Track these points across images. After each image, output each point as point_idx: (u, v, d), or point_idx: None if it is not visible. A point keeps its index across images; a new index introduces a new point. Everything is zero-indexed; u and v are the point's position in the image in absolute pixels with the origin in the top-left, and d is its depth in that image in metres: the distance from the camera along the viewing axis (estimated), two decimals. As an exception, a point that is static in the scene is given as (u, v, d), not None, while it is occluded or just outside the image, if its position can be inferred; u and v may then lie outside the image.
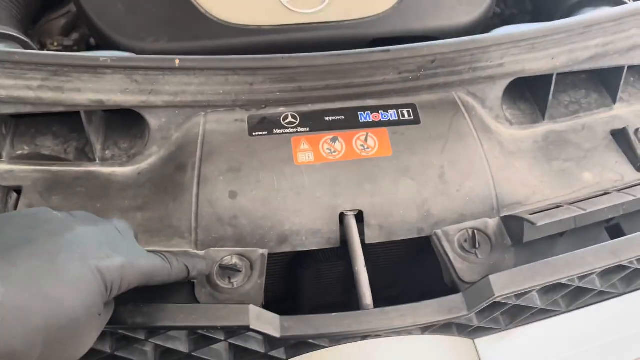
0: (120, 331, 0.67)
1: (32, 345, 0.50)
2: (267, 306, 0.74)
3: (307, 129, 0.86)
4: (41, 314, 0.51)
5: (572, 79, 1.04)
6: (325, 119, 0.87)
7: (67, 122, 0.90)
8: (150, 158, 0.86)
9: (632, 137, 0.93)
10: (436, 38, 1.09)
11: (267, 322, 0.67)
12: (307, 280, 1.03)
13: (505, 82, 0.92)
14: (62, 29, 1.28)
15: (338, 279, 1.08)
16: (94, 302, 0.55)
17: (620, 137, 0.95)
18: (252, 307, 0.66)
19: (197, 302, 0.74)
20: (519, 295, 0.71)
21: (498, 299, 0.69)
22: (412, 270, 1.07)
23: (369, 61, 0.83)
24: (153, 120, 0.85)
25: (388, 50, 0.83)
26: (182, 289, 0.75)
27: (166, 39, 1.05)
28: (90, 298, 0.55)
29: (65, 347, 0.54)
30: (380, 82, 0.86)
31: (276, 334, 0.67)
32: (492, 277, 0.70)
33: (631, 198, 0.81)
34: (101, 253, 0.57)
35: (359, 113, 0.88)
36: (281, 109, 0.87)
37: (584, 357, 0.78)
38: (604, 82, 1.03)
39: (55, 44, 1.24)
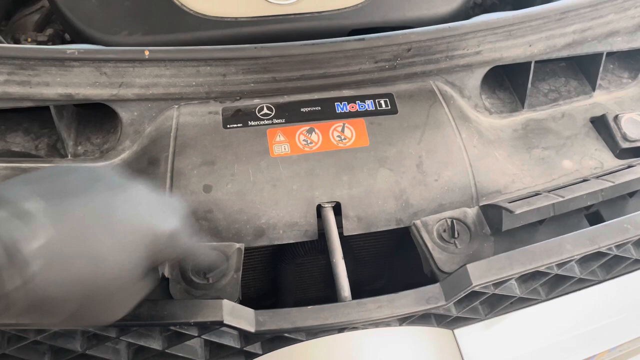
0: (91, 329, 0.65)
1: (69, 297, 0.48)
2: (251, 302, 0.72)
3: (283, 121, 0.84)
4: (85, 267, 0.48)
5: (552, 67, 1.04)
6: (301, 110, 0.86)
7: (37, 118, 0.88)
8: (124, 153, 0.84)
9: (612, 123, 0.92)
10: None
11: (241, 317, 0.65)
12: (289, 275, 1.02)
13: (483, 70, 0.91)
14: (36, 24, 1.25)
15: (321, 273, 1.07)
16: (138, 265, 0.53)
17: (599, 124, 0.94)
18: (225, 301, 0.65)
19: (172, 299, 0.72)
20: (497, 284, 0.71)
21: (476, 288, 0.68)
22: (394, 263, 1.07)
23: (344, 50, 0.82)
24: (125, 114, 0.83)
25: (363, 39, 0.82)
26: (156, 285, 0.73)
27: (141, 32, 1.03)
28: (136, 259, 0.52)
29: (100, 307, 0.52)
30: (357, 71, 0.85)
31: (251, 328, 0.65)
32: (469, 266, 0.69)
33: (609, 184, 0.80)
34: (154, 219, 0.55)
35: (335, 104, 0.86)
36: (256, 101, 0.86)
37: (565, 345, 0.78)
38: (583, 69, 1.02)
39: (29, 40, 1.21)
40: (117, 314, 0.55)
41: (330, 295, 1.11)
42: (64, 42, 1.24)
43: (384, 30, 0.90)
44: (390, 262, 1.06)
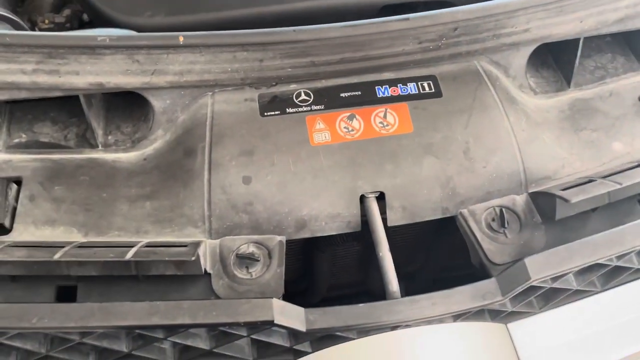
0: (137, 331, 0.63)
1: None
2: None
3: (322, 107, 0.80)
4: None
5: (597, 43, 0.99)
6: (341, 95, 0.82)
7: (65, 106, 0.85)
8: (156, 142, 0.81)
9: (664, 103, 0.88)
10: (451, 3, 1.02)
11: (292, 316, 0.63)
12: (323, 262, 1.00)
13: (530, 49, 0.87)
14: (53, 5, 1.21)
15: (354, 259, 1.04)
16: None
17: (650, 103, 0.90)
18: (275, 301, 0.63)
19: (215, 294, 0.70)
20: (555, 278, 0.68)
21: (534, 283, 0.66)
22: (431, 246, 1.04)
23: (387, 31, 0.78)
24: (157, 102, 0.80)
25: (407, 19, 0.77)
26: (198, 280, 0.71)
27: (163, 13, 0.99)
28: None
29: None
30: (399, 53, 0.81)
31: (302, 327, 0.63)
32: (527, 260, 0.66)
33: (667, 169, 0.76)
34: None
35: (376, 87, 0.82)
36: (293, 86, 0.82)
37: (618, 334, 0.75)
38: (631, 44, 0.97)
39: (47, 21, 1.17)
40: None
41: (363, 280, 1.10)
42: (82, 23, 1.20)
43: (417, 6, 0.86)
44: (428, 246, 1.04)
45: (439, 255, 1.03)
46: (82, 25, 1.20)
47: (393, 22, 0.78)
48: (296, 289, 1.10)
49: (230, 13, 1.01)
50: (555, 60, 0.95)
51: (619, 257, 0.70)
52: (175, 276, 0.69)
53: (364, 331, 0.65)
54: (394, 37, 0.79)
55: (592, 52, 0.97)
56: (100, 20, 1.01)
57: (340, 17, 0.83)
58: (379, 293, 0.72)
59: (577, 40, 0.88)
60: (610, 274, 0.73)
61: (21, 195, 0.77)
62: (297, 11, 1.01)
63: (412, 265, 1.12)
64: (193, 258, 0.66)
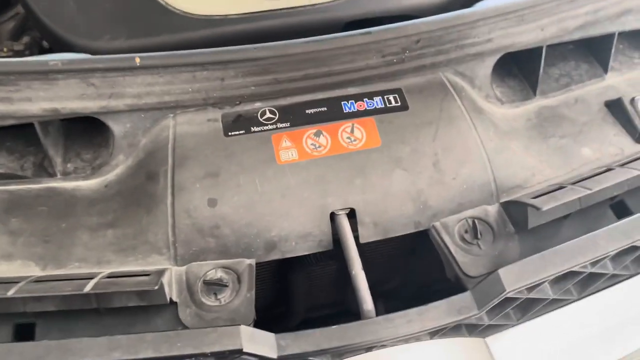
0: (98, 367, 0.59)
1: None
2: (258, 313, 0.67)
3: (288, 124, 0.79)
4: None
5: (560, 51, 0.99)
6: (307, 111, 0.80)
7: (21, 135, 0.81)
8: (117, 168, 0.78)
9: (629, 107, 0.88)
10: (414, 17, 1.02)
11: (261, 343, 0.60)
12: (298, 284, 0.97)
13: (494, 59, 0.87)
14: (11, 33, 1.18)
15: (331, 278, 1.02)
16: None
17: (615, 108, 0.90)
18: (243, 327, 0.60)
19: (182, 324, 0.67)
20: (530, 288, 0.66)
21: (510, 294, 0.64)
22: (408, 262, 1.02)
23: (349, 45, 0.77)
24: (117, 127, 0.77)
25: (370, 32, 0.76)
26: (164, 310, 0.68)
27: (124, 36, 0.96)
28: None
29: None
30: (363, 67, 0.80)
31: (273, 354, 0.60)
32: (501, 271, 0.65)
33: (636, 173, 0.76)
34: None
35: (342, 103, 0.81)
36: (257, 105, 0.80)
37: (598, 342, 0.74)
38: (594, 51, 0.98)
39: (5, 49, 1.14)
40: None
41: (341, 299, 1.08)
42: (42, 50, 1.17)
43: (381, 22, 0.85)
44: (404, 262, 1.02)
45: (417, 270, 1.01)
46: (42, 52, 1.17)
47: (355, 36, 0.77)
48: (273, 313, 1.08)
49: (194, 34, 0.98)
50: (520, 69, 0.95)
51: (593, 264, 0.69)
52: (140, 307, 0.66)
53: (338, 354, 0.63)
54: (357, 52, 0.78)
55: (556, 60, 0.98)
56: (59, 46, 0.98)
57: (305, 34, 0.82)
58: (358, 312, 0.69)
59: (540, 49, 0.89)
60: (586, 281, 0.72)
61: (-24, 229, 0.73)
62: (262, 30, 0.99)
63: (390, 283, 1.10)
64: (156, 287, 0.63)
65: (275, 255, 0.73)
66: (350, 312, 1.10)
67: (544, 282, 0.66)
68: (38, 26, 1.01)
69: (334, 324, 0.65)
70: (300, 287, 0.98)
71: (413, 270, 1.02)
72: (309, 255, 0.87)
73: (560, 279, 0.70)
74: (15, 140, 0.81)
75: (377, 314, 0.67)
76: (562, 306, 0.72)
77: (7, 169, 0.80)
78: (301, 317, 1.06)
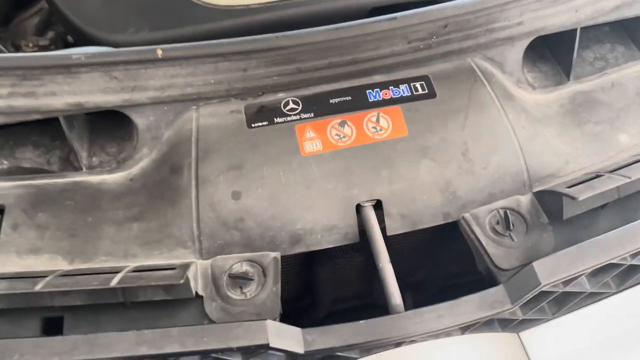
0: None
1: None
2: (286, 305, 0.66)
3: (312, 115, 0.77)
4: None
5: (595, 33, 0.95)
6: (331, 101, 0.78)
7: (47, 129, 0.82)
8: (142, 161, 0.78)
9: (669, 90, 0.84)
10: (441, 1, 0.99)
11: (288, 338, 0.59)
12: (323, 277, 0.96)
13: (525, 43, 0.83)
14: (36, 28, 1.19)
15: (357, 271, 1.01)
16: None
17: (655, 92, 0.86)
18: (269, 322, 0.59)
19: (208, 318, 0.66)
20: (566, 282, 0.64)
21: (545, 288, 0.62)
22: (436, 254, 1.00)
23: (374, 32, 0.74)
24: (140, 120, 0.77)
25: (395, 18, 0.74)
26: (190, 304, 0.68)
27: (147, 28, 0.96)
28: None
29: None
30: (388, 54, 0.78)
31: (299, 349, 0.59)
32: (536, 264, 0.62)
33: (678, 159, 0.72)
34: None
35: (367, 91, 0.79)
36: (280, 95, 0.79)
37: (636, 335, 0.71)
38: (630, 33, 0.94)
39: (31, 45, 1.15)
40: None
41: (369, 291, 1.06)
42: (67, 45, 1.18)
43: (406, 7, 0.82)
44: (431, 253, 1.00)
45: (445, 263, 0.99)
46: (67, 47, 1.18)
47: (380, 22, 0.75)
48: (299, 305, 1.07)
49: (217, 25, 0.98)
50: (553, 53, 0.91)
51: (633, 256, 0.66)
52: (166, 301, 0.65)
53: (367, 350, 0.61)
54: (382, 38, 0.76)
55: (591, 43, 0.94)
56: (83, 40, 0.98)
57: (329, 22, 0.80)
58: (385, 305, 0.68)
59: (574, 31, 0.85)
60: (625, 274, 0.69)
61: (4, 224, 0.73)
62: (284, 19, 0.98)
63: (418, 275, 1.08)
64: (182, 281, 0.62)
65: (300, 249, 0.72)
66: (376, 304, 1.09)
67: (581, 275, 0.64)
68: (61, 21, 1.01)
69: (360, 317, 0.63)
70: (325, 280, 0.97)
71: (441, 262, 1.00)
72: (334, 248, 0.86)
73: (598, 272, 0.67)
74: (41, 135, 0.82)
75: (406, 307, 0.65)
76: (599, 300, 0.69)
77: (33, 164, 0.80)
78: (327, 310, 1.05)
